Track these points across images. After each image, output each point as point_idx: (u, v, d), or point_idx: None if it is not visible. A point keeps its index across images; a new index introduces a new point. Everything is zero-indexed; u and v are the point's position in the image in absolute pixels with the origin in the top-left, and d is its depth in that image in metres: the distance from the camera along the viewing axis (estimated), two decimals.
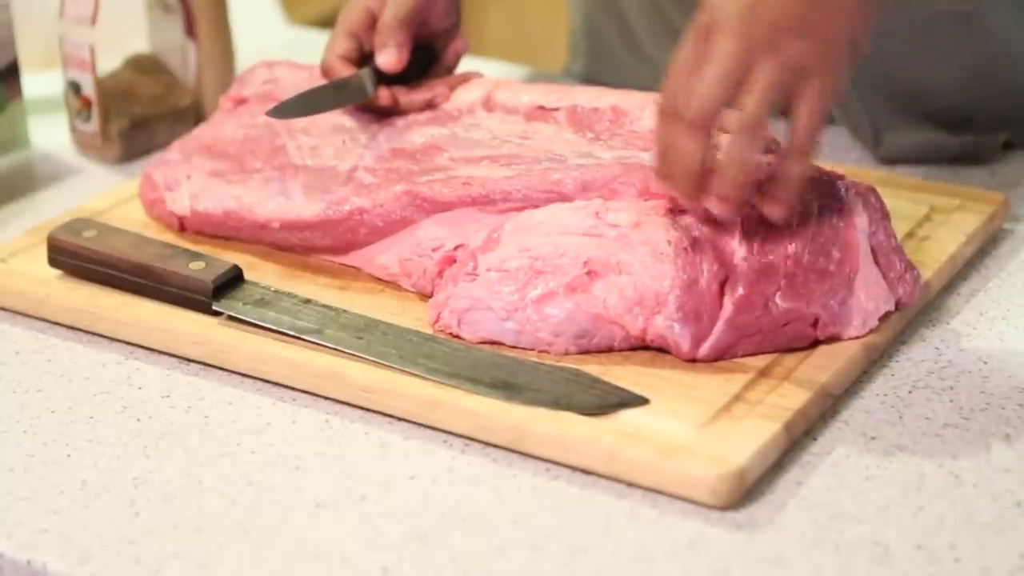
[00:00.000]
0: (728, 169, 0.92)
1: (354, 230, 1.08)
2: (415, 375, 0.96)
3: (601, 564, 0.84)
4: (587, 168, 1.03)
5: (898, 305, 1.01)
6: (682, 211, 0.98)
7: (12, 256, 1.12)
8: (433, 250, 1.05)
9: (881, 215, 1.02)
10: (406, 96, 1.16)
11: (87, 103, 1.33)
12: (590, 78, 1.44)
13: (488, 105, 1.14)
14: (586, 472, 0.90)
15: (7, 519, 0.88)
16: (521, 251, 1.00)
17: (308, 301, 1.03)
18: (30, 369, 1.03)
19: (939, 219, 1.14)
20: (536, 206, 1.03)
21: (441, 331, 1.01)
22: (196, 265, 1.05)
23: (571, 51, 1.48)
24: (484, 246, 1.01)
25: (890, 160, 1.28)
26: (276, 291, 1.04)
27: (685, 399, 0.93)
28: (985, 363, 1.00)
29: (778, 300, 0.96)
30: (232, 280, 1.04)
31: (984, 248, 1.14)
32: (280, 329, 1.01)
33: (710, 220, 0.97)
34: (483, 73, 1.20)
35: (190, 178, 1.16)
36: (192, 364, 1.02)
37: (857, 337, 0.98)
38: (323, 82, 1.16)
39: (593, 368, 0.96)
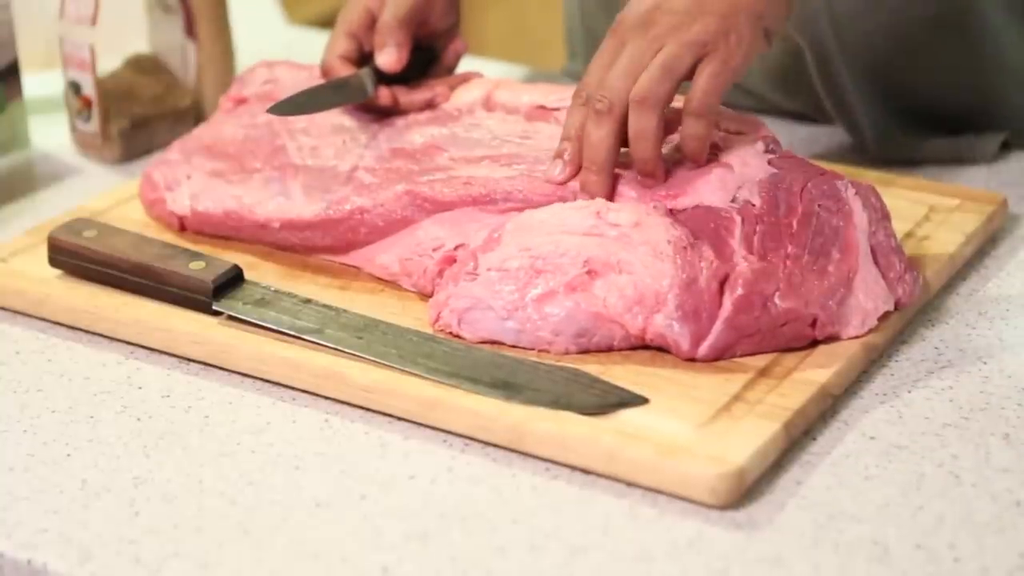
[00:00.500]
0: (634, 143, 1.00)
1: (354, 230, 1.08)
2: (415, 375, 0.96)
3: (601, 564, 0.84)
4: None
5: (897, 305, 1.01)
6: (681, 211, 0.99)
7: (12, 256, 1.12)
8: (433, 250, 1.05)
9: (881, 215, 1.02)
10: (406, 96, 1.16)
11: (87, 103, 1.33)
12: None
13: (488, 105, 1.14)
14: (586, 472, 0.90)
15: (7, 519, 0.88)
16: (522, 250, 1.00)
17: (308, 301, 1.03)
18: (30, 369, 1.03)
19: (938, 219, 1.14)
20: (537, 206, 1.03)
21: (441, 331, 1.01)
22: (196, 265, 1.05)
23: (569, 52, 1.49)
24: (485, 246, 1.01)
25: (889, 160, 1.28)
26: (276, 291, 1.04)
27: (685, 399, 0.93)
28: (985, 363, 1.00)
29: (777, 300, 0.96)
30: (232, 280, 1.04)
31: (983, 248, 1.14)
32: (280, 329, 1.01)
33: (703, 215, 0.98)
34: (483, 73, 1.20)
35: (190, 178, 1.16)
36: (192, 364, 1.02)
37: (856, 337, 0.98)
38: (323, 82, 1.17)
39: (593, 367, 0.96)
